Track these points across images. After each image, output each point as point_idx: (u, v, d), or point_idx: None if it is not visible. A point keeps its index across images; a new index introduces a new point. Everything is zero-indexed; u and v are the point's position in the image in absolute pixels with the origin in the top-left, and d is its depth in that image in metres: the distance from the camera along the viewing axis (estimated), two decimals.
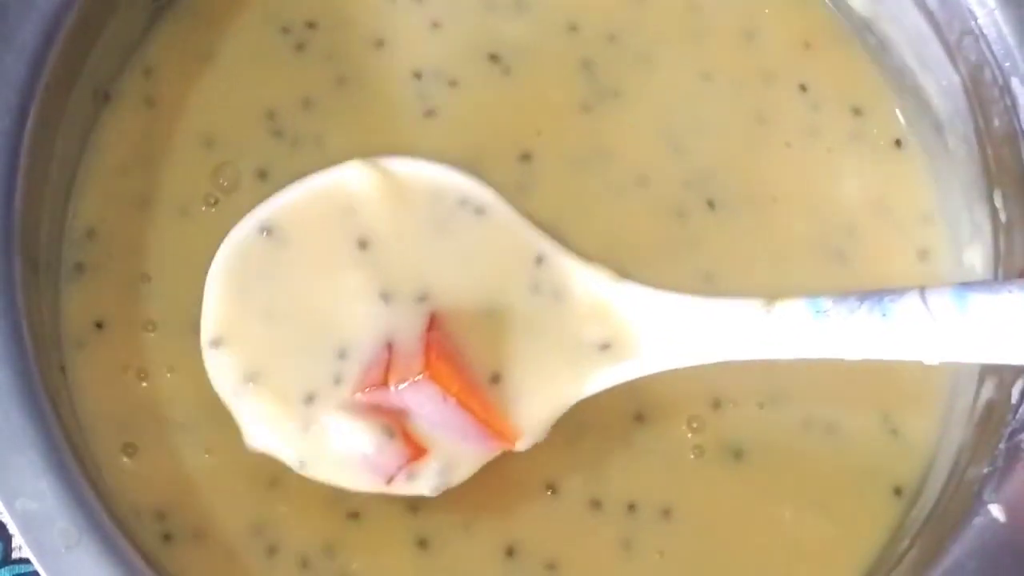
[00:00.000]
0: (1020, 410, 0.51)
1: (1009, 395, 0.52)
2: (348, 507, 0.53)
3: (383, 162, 0.53)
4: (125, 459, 0.53)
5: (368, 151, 0.54)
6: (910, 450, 0.56)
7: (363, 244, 0.52)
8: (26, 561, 0.59)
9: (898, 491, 0.55)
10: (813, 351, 0.49)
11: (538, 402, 0.51)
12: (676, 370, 0.52)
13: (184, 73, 0.58)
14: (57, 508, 0.48)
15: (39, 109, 0.52)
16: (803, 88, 0.60)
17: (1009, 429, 0.51)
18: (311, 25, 0.59)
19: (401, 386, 0.49)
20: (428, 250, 0.52)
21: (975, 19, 0.55)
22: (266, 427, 0.51)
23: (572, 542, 0.54)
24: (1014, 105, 0.54)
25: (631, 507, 0.54)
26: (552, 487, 0.54)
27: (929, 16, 0.57)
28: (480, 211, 0.53)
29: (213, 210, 0.56)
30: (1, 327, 0.49)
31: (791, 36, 0.61)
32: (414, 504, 0.53)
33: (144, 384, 0.54)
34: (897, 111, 0.60)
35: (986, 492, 0.50)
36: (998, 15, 0.55)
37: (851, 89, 0.60)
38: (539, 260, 0.53)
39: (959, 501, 0.52)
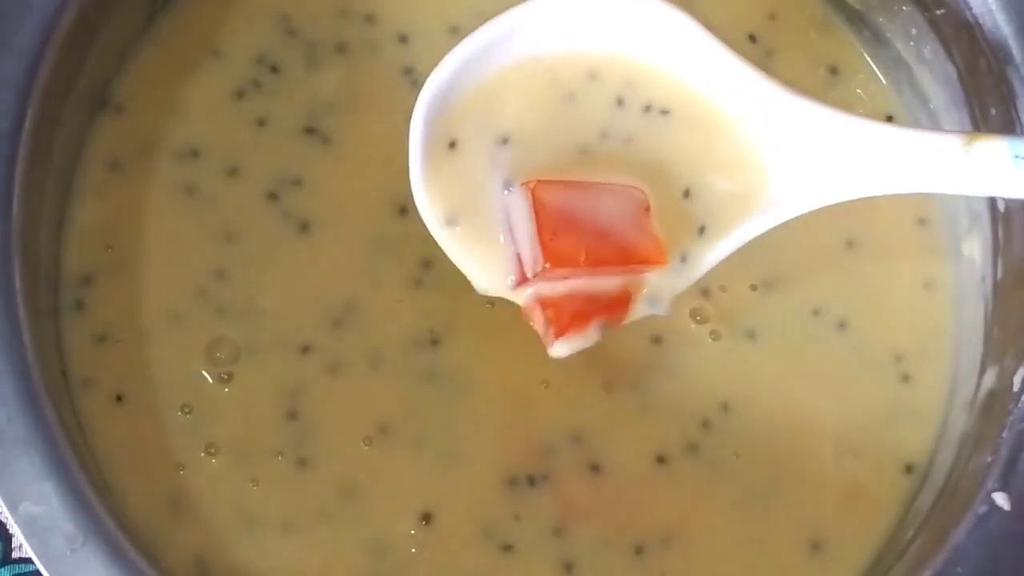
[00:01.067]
0: (1022, 399, 0.51)
1: (1011, 384, 0.52)
2: (501, 542, 0.54)
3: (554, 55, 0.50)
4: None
5: None
6: (919, 412, 0.57)
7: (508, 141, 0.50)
8: (26, 561, 0.59)
9: (909, 468, 0.56)
10: (1007, 192, 0.48)
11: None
12: None
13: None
14: (61, 511, 0.48)
15: (36, 113, 0.51)
16: None
17: (1012, 418, 0.51)
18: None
19: (537, 282, 0.49)
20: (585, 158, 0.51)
21: (970, 9, 0.55)
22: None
23: (688, 512, 0.55)
24: (1010, 94, 0.54)
25: (705, 424, 0.55)
26: (661, 458, 0.55)
27: (924, 6, 0.57)
28: (666, 112, 0.51)
29: None
30: (2, 328, 0.49)
31: None
32: (559, 528, 0.54)
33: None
34: (892, 99, 0.61)
35: (990, 481, 0.51)
36: (993, 4, 0.55)
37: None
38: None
39: (963, 489, 0.52)
